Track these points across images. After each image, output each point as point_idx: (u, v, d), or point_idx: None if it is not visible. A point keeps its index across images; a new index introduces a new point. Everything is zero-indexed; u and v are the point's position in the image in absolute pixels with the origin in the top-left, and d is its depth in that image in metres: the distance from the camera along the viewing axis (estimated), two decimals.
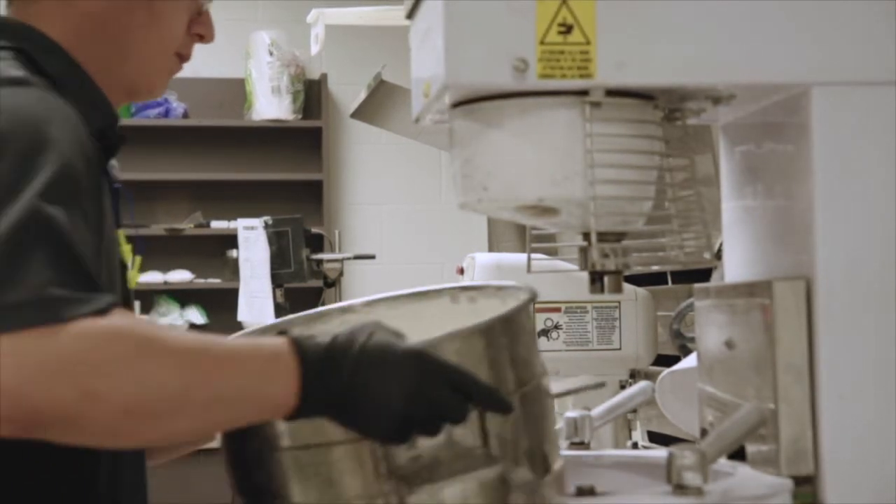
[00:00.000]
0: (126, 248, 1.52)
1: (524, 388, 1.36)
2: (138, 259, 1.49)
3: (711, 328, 1.63)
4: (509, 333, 1.36)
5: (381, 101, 4.58)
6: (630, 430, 2.87)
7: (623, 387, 2.66)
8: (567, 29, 1.38)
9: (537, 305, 2.79)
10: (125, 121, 6.46)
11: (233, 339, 1.34)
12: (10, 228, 1.19)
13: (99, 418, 1.18)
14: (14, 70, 1.39)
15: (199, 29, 1.61)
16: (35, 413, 1.15)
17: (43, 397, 1.15)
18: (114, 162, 1.55)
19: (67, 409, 1.16)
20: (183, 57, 1.61)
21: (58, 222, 1.23)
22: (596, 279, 1.49)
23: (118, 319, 1.21)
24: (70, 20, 1.50)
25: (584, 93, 1.40)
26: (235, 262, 5.05)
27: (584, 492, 1.34)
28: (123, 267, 1.53)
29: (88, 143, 1.37)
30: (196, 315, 6.58)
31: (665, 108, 1.48)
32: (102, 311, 1.20)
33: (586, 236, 1.47)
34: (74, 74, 1.48)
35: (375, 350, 1.26)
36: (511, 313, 1.38)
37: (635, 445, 2.86)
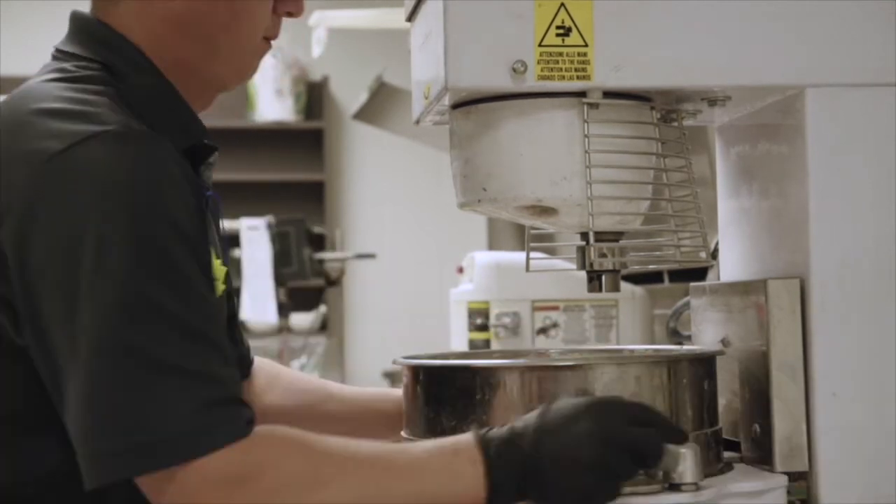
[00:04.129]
0: (220, 268, 1.42)
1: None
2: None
3: (707, 326, 1.64)
4: (692, 375, 1.43)
5: (381, 103, 4.60)
6: None
7: None
8: (565, 31, 1.40)
9: (536, 304, 2.83)
10: None
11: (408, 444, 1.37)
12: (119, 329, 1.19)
13: None
14: (110, 112, 1.29)
15: (287, 7, 1.49)
16: None
17: None
18: (212, 160, 1.50)
19: None
20: (270, 38, 1.51)
21: (169, 310, 1.20)
22: (594, 278, 1.50)
23: (277, 442, 1.23)
24: (151, 22, 1.42)
25: (581, 94, 1.42)
26: (239, 261, 5.07)
27: None
28: (228, 292, 1.50)
29: (188, 178, 1.31)
30: None
31: (662, 110, 1.49)
32: (249, 425, 1.21)
33: (584, 236, 1.48)
34: (162, 91, 1.42)
35: (553, 425, 1.28)
36: (700, 355, 1.47)
37: None
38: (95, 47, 1.40)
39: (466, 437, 1.29)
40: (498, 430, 1.29)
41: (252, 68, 1.51)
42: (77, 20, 1.44)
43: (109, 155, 1.24)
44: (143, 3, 1.42)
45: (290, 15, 1.52)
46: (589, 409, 1.29)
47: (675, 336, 2.27)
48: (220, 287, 1.39)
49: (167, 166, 1.27)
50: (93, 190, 1.22)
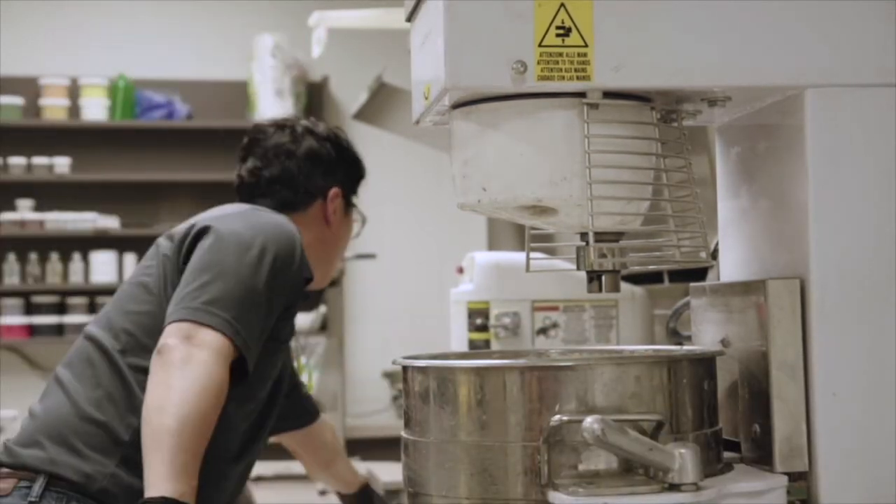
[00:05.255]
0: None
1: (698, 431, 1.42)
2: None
3: (707, 326, 1.65)
4: (692, 375, 1.43)
5: (381, 103, 4.59)
6: None
7: None
8: (565, 32, 1.40)
9: (536, 304, 2.83)
10: (130, 122, 6.49)
11: None
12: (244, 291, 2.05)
13: None
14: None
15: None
16: None
17: None
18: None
19: None
20: None
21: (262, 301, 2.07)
22: (594, 278, 1.51)
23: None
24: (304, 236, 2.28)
25: (581, 94, 1.42)
26: None
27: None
28: (293, 375, 2.57)
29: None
30: None
31: (662, 110, 1.49)
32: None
33: (584, 236, 1.49)
34: None
35: None
36: (700, 356, 1.48)
37: None
38: None
39: None
40: None
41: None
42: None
43: (283, 220, 2.21)
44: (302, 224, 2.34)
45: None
46: None
47: (675, 336, 2.27)
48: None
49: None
50: (268, 228, 2.15)
